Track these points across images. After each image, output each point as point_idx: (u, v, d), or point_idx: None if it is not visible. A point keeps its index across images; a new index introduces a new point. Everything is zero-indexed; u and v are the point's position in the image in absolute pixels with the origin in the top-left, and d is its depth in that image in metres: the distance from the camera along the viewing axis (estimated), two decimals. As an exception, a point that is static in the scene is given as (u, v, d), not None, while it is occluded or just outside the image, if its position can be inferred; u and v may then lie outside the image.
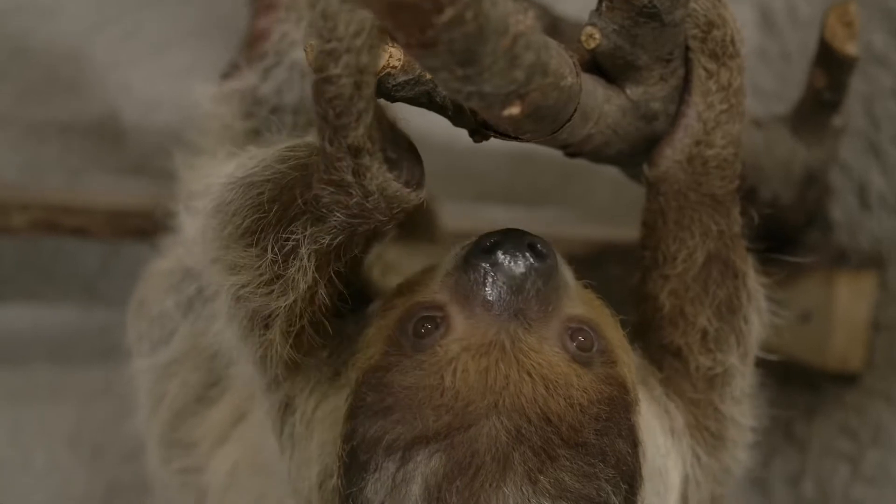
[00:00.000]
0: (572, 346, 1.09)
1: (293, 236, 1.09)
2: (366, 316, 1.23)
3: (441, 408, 1.04)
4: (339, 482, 1.10)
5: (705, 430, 1.30)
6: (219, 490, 1.51)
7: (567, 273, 1.14)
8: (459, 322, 1.08)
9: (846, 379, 1.88)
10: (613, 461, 1.06)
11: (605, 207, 2.23)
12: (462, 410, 1.04)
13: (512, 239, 1.09)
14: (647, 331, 1.30)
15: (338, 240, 1.08)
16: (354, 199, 1.03)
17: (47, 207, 1.76)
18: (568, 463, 1.04)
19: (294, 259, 1.10)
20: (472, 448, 1.03)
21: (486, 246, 1.08)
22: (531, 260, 1.08)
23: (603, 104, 1.16)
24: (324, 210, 1.05)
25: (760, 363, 1.84)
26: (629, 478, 1.08)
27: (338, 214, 1.05)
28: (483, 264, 1.08)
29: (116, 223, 1.78)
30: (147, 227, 1.70)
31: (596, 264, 2.02)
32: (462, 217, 1.90)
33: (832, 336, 1.84)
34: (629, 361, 1.17)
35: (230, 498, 1.49)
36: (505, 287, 1.07)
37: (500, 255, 1.08)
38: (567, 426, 1.04)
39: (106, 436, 2.01)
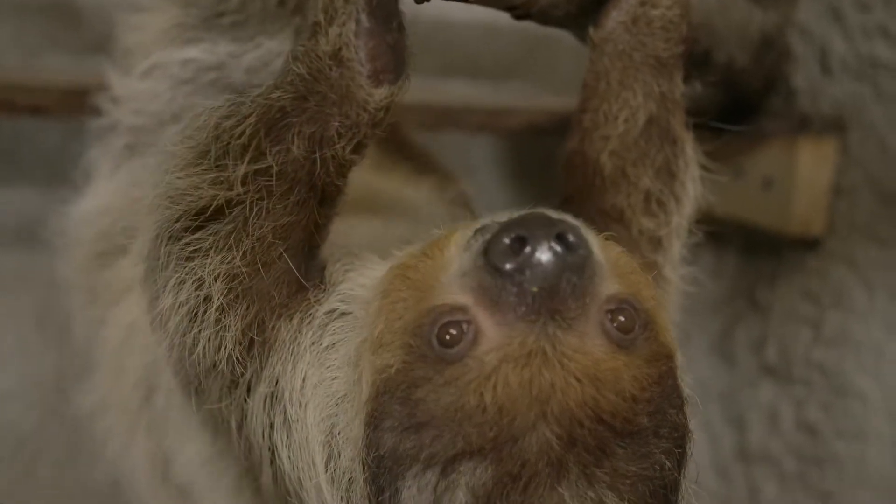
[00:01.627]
0: (614, 330, 1.00)
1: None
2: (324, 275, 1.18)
3: (484, 425, 0.97)
4: (368, 488, 1.04)
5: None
6: (115, 344, 1.48)
7: (598, 251, 1.04)
8: (490, 329, 0.99)
9: (808, 244, 1.89)
10: (667, 433, 1.02)
11: (568, 79, 2.21)
12: (508, 425, 0.97)
13: (537, 232, 0.98)
14: (586, 197, 1.28)
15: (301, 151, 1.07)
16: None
17: (3, 87, 1.75)
18: (623, 452, 0.99)
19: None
20: (522, 459, 0.97)
21: (508, 244, 0.98)
22: (563, 254, 0.98)
23: (549, -35, 1.15)
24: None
25: (724, 232, 1.86)
26: (681, 440, 1.04)
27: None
28: (508, 266, 0.98)
29: (74, 102, 1.76)
30: (105, 106, 1.69)
31: (559, 133, 2.03)
32: (425, 92, 1.89)
33: (794, 202, 1.85)
34: (665, 314, 1.11)
35: (123, 356, 1.47)
36: (538, 291, 0.97)
37: (528, 255, 0.97)
38: (621, 420, 0.98)
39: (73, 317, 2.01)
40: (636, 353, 1.01)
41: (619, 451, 0.98)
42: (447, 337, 0.99)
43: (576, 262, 0.98)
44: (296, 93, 1.08)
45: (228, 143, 1.10)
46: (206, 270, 1.11)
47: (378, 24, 1.05)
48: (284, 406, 1.14)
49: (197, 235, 1.12)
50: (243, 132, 1.09)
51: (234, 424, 1.18)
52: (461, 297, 1.01)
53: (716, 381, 2.03)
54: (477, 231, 1.04)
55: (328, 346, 1.14)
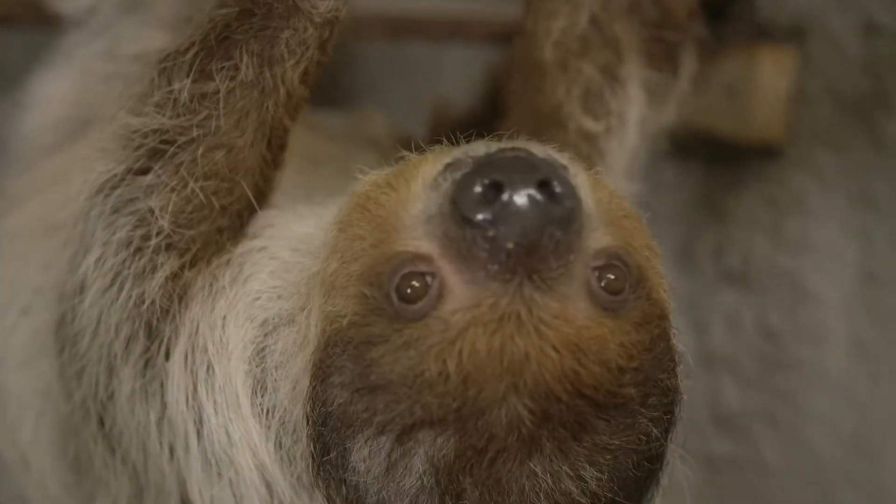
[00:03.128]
0: (601, 291, 0.90)
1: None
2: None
3: (446, 395, 0.87)
4: (312, 446, 0.95)
5: None
6: None
7: (588, 196, 0.93)
8: (457, 285, 0.88)
9: (769, 152, 1.91)
10: (656, 401, 0.93)
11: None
12: (473, 397, 0.87)
13: (516, 177, 0.86)
14: (523, 102, 1.27)
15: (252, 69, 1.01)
16: None
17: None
18: (604, 425, 0.90)
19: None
20: (488, 433, 0.88)
21: (481, 191, 0.87)
22: (545, 205, 0.86)
23: None
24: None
25: (689, 141, 1.88)
26: (671, 405, 0.96)
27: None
28: (479, 217, 0.86)
29: (41, 10, 1.77)
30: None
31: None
32: (391, 5, 1.88)
33: (755, 109, 1.86)
34: (658, 264, 1.00)
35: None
36: (513, 247, 0.86)
37: (504, 205, 0.85)
38: (604, 393, 0.89)
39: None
40: (625, 316, 0.92)
41: (600, 424, 0.90)
42: (408, 290, 0.89)
43: (561, 215, 0.87)
44: (241, 7, 1.02)
45: (173, 66, 1.04)
46: (154, 202, 1.03)
47: None
48: (206, 349, 1.04)
49: (138, 179, 1.05)
50: (188, 50, 1.03)
51: (153, 418, 1.06)
52: (425, 244, 0.91)
53: (678, 287, 2.05)
54: (447, 166, 0.93)
55: (248, 276, 1.06)
